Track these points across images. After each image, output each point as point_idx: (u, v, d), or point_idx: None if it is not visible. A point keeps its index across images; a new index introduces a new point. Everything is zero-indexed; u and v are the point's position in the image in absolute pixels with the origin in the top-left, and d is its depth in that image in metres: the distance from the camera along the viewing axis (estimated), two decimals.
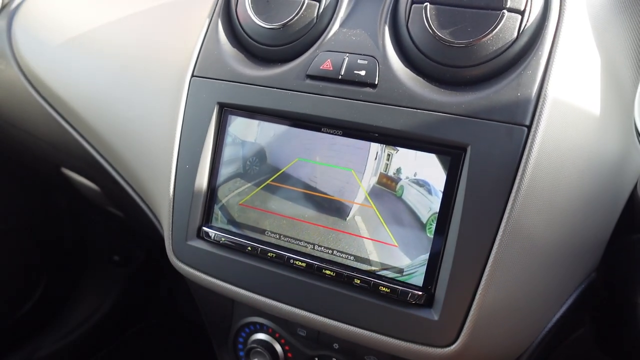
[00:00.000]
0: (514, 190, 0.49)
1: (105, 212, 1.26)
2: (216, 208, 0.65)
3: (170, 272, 0.74)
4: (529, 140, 0.49)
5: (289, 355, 0.74)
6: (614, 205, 0.61)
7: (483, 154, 0.51)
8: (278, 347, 0.74)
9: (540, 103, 0.50)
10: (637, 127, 0.63)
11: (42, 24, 0.93)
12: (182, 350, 1.61)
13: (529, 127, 0.50)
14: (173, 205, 0.66)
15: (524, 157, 0.49)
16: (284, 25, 0.61)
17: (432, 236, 0.54)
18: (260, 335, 0.76)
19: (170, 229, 0.67)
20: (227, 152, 0.64)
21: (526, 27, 0.52)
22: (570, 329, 0.71)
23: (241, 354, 0.80)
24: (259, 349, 0.75)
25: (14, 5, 0.99)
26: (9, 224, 1.40)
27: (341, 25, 0.60)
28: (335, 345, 0.69)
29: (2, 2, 1.02)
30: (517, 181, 0.49)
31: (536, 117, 0.50)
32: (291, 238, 0.61)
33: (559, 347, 0.74)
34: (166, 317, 1.70)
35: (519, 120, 0.50)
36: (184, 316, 1.64)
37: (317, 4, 0.61)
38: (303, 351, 0.72)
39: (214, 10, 0.67)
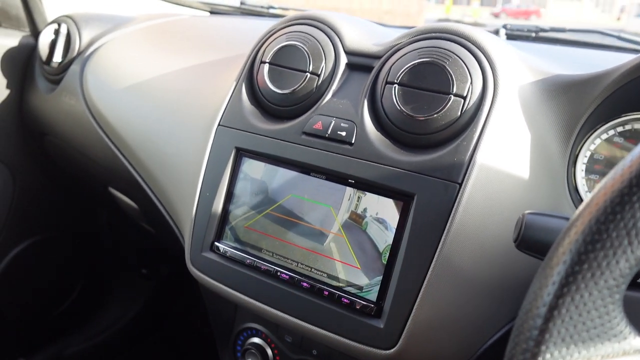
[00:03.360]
0: (445, 231, 0.64)
1: (138, 230, 1.44)
2: (227, 228, 0.83)
3: (189, 288, 0.89)
4: (460, 194, 0.65)
5: (277, 357, 0.89)
6: None
7: (425, 202, 0.66)
8: (269, 350, 0.89)
9: (470, 167, 0.65)
10: (572, 186, 0.77)
11: (107, 70, 1.15)
12: (193, 357, 1.76)
13: (461, 184, 0.65)
14: (194, 224, 0.84)
15: (455, 206, 0.65)
16: (292, 92, 0.80)
17: (385, 263, 0.69)
18: (256, 339, 0.91)
19: (190, 242, 0.84)
20: (239, 185, 0.82)
21: (467, 108, 0.68)
22: None
23: (239, 354, 0.95)
24: (253, 351, 0.90)
25: (87, 53, 1.23)
26: (59, 232, 1.60)
27: (332, 95, 0.78)
28: (314, 352, 0.84)
29: (78, 50, 1.27)
30: (448, 224, 0.64)
31: (466, 177, 0.65)
32: (281, 256, 0.77)
33: None
34: (182, 329, 1.85)
35: (454, 179, 0.66)
36: (198, 329, 1.80)
37: (317, 77, 0.79)
38: (288, 355, 0.87)
39: (241, 75, 0.86)
